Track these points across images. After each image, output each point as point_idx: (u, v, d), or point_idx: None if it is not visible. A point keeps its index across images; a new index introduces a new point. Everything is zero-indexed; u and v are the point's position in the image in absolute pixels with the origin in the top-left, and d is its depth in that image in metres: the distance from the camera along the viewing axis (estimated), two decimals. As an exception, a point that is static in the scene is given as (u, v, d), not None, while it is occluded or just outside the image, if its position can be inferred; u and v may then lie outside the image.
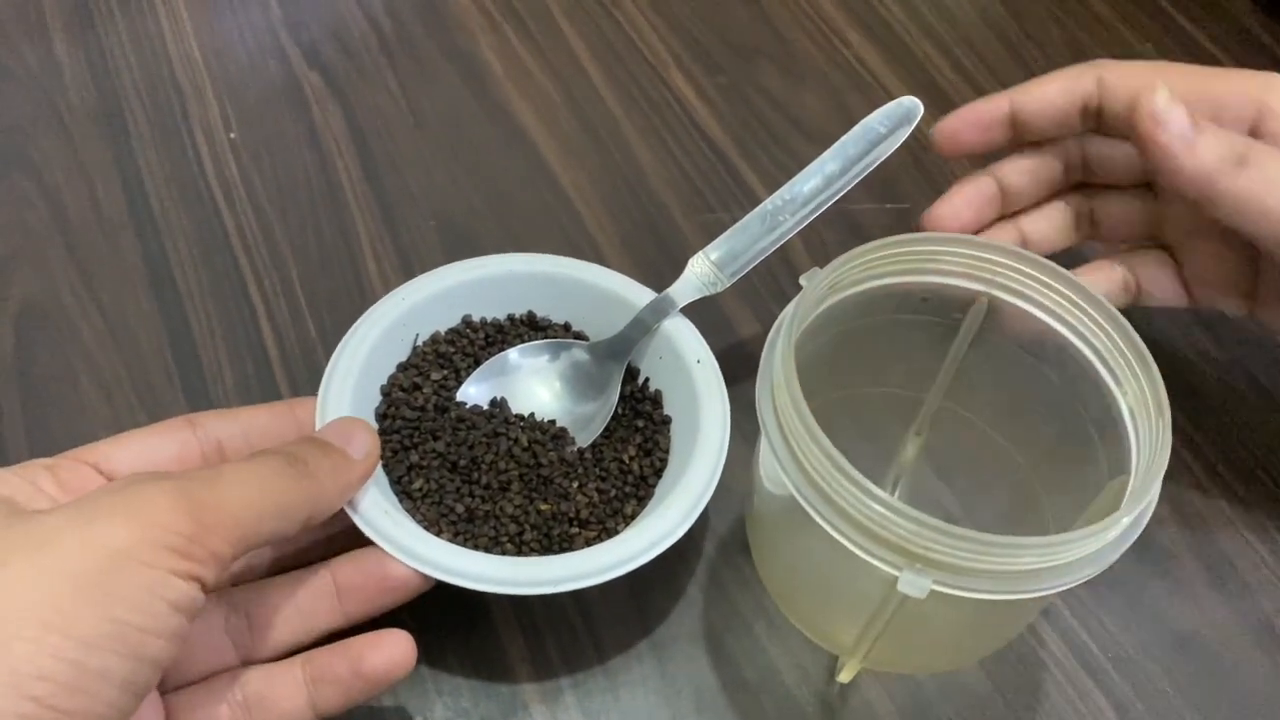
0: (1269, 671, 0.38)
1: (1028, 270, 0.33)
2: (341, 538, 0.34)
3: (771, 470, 0.30)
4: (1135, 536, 0.29)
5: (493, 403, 0.39)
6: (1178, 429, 0.44)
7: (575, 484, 0.37)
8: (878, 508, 0.27)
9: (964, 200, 0.40)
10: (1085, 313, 0.33)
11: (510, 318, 0.42)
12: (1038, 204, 0.41)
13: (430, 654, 0.36)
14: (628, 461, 0.38)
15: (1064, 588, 0.28)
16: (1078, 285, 0.33)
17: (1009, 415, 0.37)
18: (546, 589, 0.33)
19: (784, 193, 0.40)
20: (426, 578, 0.33)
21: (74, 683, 0.24)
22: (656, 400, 0.40)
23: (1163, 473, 0.29)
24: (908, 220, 0.51)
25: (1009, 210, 0.41)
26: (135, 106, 0.52)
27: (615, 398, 0.39)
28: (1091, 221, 0.41)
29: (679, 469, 0.37)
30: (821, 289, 0.32)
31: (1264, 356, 0.46)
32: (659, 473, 0.38)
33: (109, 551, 0.25)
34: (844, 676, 0.36)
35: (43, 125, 0.51)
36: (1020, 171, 0.40)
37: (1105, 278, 0.40)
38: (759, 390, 0.31)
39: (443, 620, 0.37)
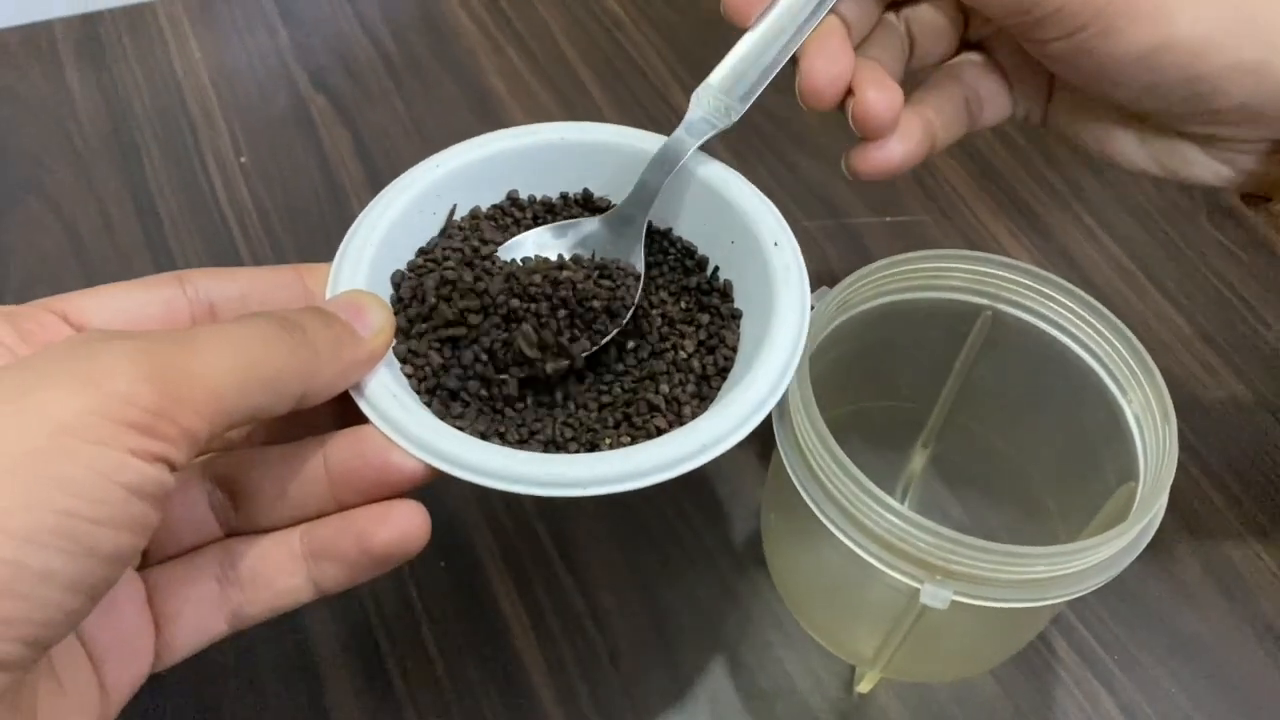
0: (1272, 672, 0.39)
1: (1030, 283, 0.34)
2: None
3: (789, 486, 0.30)
4: (1146, 542, 0.29)
5: None
6: (1181, 437, 0.45)
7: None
8: (898, 522, 0.28)
9: (837, 47, 0.34)
10: (1087, 323, 0.33)
11: (564, 196, 0.36)
12: (872, 30, 0.36)
13: (448, 660, 0.37)
14: (686, 358, 0.33)
15: (1078, 594, 0.29)
16: (1079, 296, 0.33)
17: (1015, 426, 0.37)
18: (574, 490, 0.28)
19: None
20: (433, 469, 0.29)
21: (8, 585, 0.20)
22: (725, 293, 0.34)
23: (1171, 480, 0.29)
24: (908, 233, 0.51)
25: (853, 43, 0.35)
26: (146, 132, 0.53)
27: (641, 266, 0.34)
28: (910, 38, 0.37)
29: (746, 366, 0.31)
30: (831, 308, 0.32)
31: (1264, 366, 0.47)
32: (723, 372, 0.33)
33: (54, 426, 0.21)
34: (863, 687, 0.37)
35: (56, 152, 0.52)
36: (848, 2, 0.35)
37: (948, 98, 0.36)
38: (774, 408, 0.32)
39: (458, 627, 0.38)
